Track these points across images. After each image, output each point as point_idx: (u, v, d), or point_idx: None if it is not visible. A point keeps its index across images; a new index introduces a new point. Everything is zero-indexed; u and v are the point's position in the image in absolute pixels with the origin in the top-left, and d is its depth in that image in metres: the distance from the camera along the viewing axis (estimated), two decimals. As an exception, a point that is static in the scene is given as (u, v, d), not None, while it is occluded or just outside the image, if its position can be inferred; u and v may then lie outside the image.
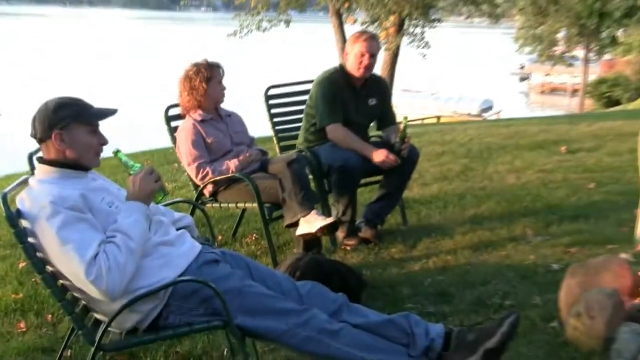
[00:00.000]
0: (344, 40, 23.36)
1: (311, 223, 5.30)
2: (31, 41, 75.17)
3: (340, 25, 24.49)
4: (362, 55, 6.11)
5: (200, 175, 5.67)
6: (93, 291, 3.33)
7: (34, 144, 3.73)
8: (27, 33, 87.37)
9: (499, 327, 3.62)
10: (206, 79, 5.76)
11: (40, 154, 3.72)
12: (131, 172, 3.70)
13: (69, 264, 3.35)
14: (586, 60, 43.59)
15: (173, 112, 6.05)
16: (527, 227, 6.29)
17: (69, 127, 3.60)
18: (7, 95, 24.86)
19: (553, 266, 5.34)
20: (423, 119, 29.16)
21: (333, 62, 6.50)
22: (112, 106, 3.78)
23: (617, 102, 39.77)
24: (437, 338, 3.69)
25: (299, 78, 6.81)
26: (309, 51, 49.59)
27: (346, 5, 23.77)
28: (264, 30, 25.36)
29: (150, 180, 3.62)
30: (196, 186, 5.77)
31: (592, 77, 45.56)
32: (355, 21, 25.43)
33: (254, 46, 27.11)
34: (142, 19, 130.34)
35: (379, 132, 6.43)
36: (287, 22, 25.66)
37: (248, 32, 25.35)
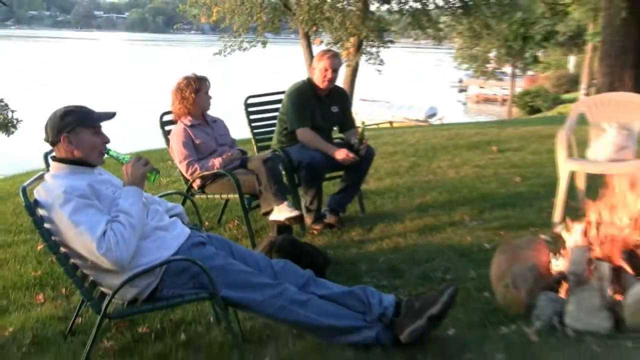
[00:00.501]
0: (311, 58, 23.32)
1: (282, 212, 5.32)
2: (51, 59, 74.69)
3: (309, 45, 24.56)
4: (326, 70, 6.13)
5: (190, 171, 5.66)
6: (105, 263, 3.39)
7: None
8: (46, 52, 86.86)
9: (440, 297, 3.65)
10: (195, 90, 5.75)
11: (53, 153, 3.74)
12: (123, 162, 3.72)
13: (83, 242, 3.39)
14: (513, 75, 44.67)
15: (166, 118, 6.02)
16: (465, 213, 6.30)
17: (74, 130, 3.63)
18: (30, 104, 24.58)
19: (486, 246, 5.37)
20: (378, 124, 29.15)
21: (302, 76, 6.49)
22: (111, 110, 3.79)
23: (539, 110, 40.67)
24: (389, 306, 3.72)
25: (273, 89, 6.82)
26: (282, 67, 49.47)
27: (314, 28, 23.81)
28: (244, 50, 25.36)
29: (140, 165, 3.67)
30: (186, 180, 5.75)
31: (518, 89, 46.66)
32: (321, 42, 25.51)
33: (235, 63, 27.02)
34: (142, 40, 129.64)
35: (341, 135, 6.43)
36: (264, 43, 25.67)
37: (231, 51, 25.34)
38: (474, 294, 4.39)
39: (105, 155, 3.74)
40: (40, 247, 5.65)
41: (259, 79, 43.80)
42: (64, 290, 4.71)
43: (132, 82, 54.35)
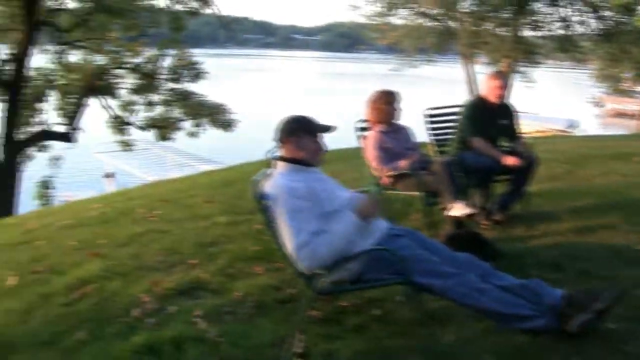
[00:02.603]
0: (470, 75, 22.99)
1: (459, 209, 5.14)
2: (261, 71, 77.19)
3: (469, 65, 24.01)
4: (497, 88, 5.99)
5: (380, 170, 5.59)
6: (298, 265, 3.42)
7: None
8: (256, 66, 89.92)
9: (606, 293, 3.39)
10: (386, 102, 5.70)
11: (278, 152, 3.77)
12: (368, 190, 3.73)
13: (289, 241, 3.42)
14: (646, 93, 41.83)
15: (362, 125, 5.99)
16: (617, 217, 5.83)
17: (299, 136, 3.62)
18: (245, 107, 25.59)
19: (637, 247, 4.97)
20: (529, 133, 28.19)
21: (462, 91, 6.34)
22: (331, 124, 3.80)
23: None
24: (559, 299, 3.45)
25: (438, 101, 6.69)
26: (441, 81, 48.90)
27: (473, 51, 23.40)
28: (414, 67, 25.20)
29: (375, 207, 3.57)
30: (378, 178, 5.68)
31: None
32: (479, 63, 24.93)
33: (405, 78, 26.89)
34: (330, 58, 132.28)
35: (508, 144, 6.16)
36: (430, 62, 25.46)
37: (403, 68, 25.23)
38: (630, 291, 3.99)
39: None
40: (256, 226, 5.71)
41: (423, 91, 43.48)
42: (278, 264, 4.71)
43: (325, 92, 55.30)
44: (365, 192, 3.91)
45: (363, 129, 6.00)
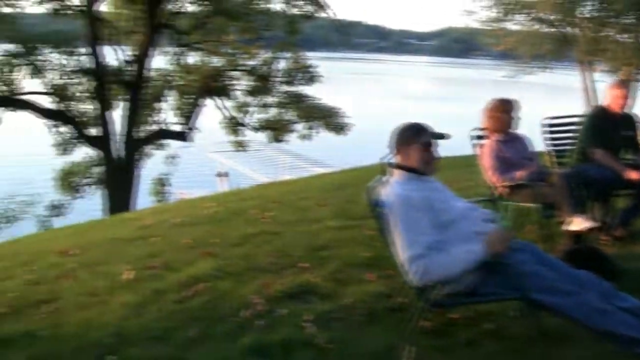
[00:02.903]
0: (588, 83, 22.07)
1: (578, 224, 4.88)
2: (372, 77, 77.14)
3: (587, 72, 23.05)
4: (619, 97, 5.67)
5: (497, 180, 5.38)
6: (408, 274, 3.28)
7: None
8: (368, 71, 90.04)
9: None
10: (504, 111, 5.50)
11: (393, 159, 3.67)
12: (499, 223, 3.56)
13: (402, 251, 3.29)
14: None
15: (478, 133, 5.81)
16: None
17: (410, 144, 3.53)
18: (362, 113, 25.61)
19: None
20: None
21: (579, 99, 6.01)
22: (443, 132, 3.64)
23: None
24: None
25: (553, 109, 6.37)
26: (556, 89, 47.16)
27: (591, 58, 22.46)
28: (529, 74, 24.47)
29: (504, 242, 3.32)
30: (493, 188, 5.47)
31: None
32: (598, 70, 23.89)
33: (518, 85, 26.08)
34: (443, 63, 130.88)
35: (631, 156, 5.80)
36: (546, 69, 24.65)
37: (517, 75, 24.53)
38: None
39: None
40: (369, 232, 5.61)
41: (538, 99, 42.11)
42: (389, 271, 4.59)
43: (437, 98, 54.65)
44: (493, 221, 3.67)
45: (479, 137, 5.81)
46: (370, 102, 48.26)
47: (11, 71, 16.17)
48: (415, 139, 3.57)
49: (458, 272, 3.24)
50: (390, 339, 3.57)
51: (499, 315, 3.86)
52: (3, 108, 16.63)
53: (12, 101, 16.58)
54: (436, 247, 3.28)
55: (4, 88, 16.22)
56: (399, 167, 3.62)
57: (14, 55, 16.14)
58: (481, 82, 52.75)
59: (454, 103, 48.43)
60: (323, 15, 19.25)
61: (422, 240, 3.27)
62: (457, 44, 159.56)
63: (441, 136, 3.63)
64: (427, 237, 3.29)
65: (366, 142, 22.16)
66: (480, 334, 3.65)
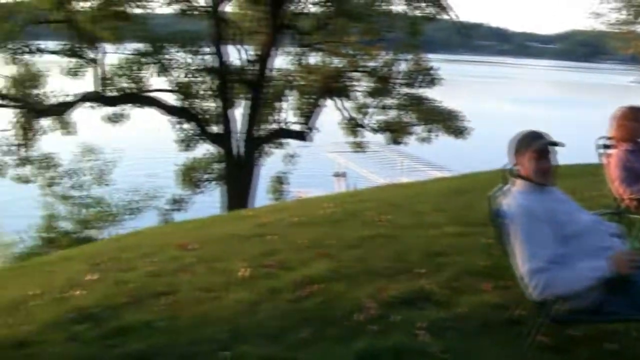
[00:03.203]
0: None
1: None
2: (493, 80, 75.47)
3: None
4: None
5: (624, 192, 5.10)
6: (527, 288, 3.19)
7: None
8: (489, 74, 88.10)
9: None
10: (633, 119, 5.19)
11: (514, 168, 3.55)
12: (628, 242, 3.44)
13: (521, 263, 3.21)
14: None
15: (605, 142, 5.51)
16: None
17: (522, 153, 3.44)
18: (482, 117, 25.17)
19: None
20: None
21: None
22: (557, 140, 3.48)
23: None
24: None
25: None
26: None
27: None
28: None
29: (630, 262, 3.08)
30: (620, 200, 5.20)
31: None
32: None
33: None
34: (567, 67, 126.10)
35: None
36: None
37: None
38: None
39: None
40: (488, 240, 5.48)
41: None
42: (507, 282, 4.47)
43: (561, 103, 52.78)
44: (620, 236, 3.50)
45: (606, 147, 5.54)
46: (489, 105, 47.18)
47: (140, 69, 17.04)
48: (528, 147, 3.43)
49: (581, 288, 3.10)
50: (506, 352, 3.48)
51: (622, 335, 3.67)
52: (131, 104, 17.55)
53: (140, 98, 17.45)
54: (559, 260, 3.16)
55: (133, 85, 17.14)
56: (520, 176, 3.51)
57: (143, 54, 17.01)
58: (607, 88, 50.41)
59: (577, 109, 46.57)
60: (445, 17, 19.00)
61: (544, 254, 3.16)
62: (582, 48, 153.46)
63: (555, 144, 3.48)
64: (549, 250, 3.17)
65: (485, 147, 21.69)
66: (602, 353, 3.48)
